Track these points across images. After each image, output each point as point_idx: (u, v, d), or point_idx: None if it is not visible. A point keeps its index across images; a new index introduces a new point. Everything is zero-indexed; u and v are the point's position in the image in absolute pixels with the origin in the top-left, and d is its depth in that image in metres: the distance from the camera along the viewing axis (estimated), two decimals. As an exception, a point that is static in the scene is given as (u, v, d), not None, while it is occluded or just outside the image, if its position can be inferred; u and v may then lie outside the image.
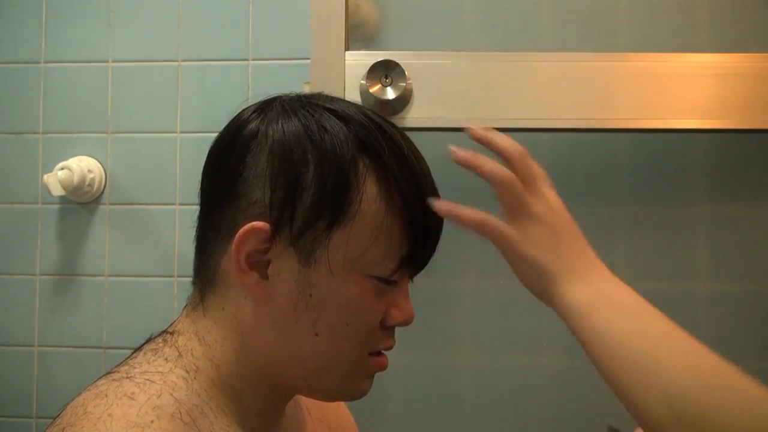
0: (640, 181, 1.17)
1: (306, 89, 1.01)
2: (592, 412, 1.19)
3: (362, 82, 1.01)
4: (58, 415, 0.57)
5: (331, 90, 1.00)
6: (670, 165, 1.17)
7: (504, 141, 0.65)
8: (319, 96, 0.66)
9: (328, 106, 0.63)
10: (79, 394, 0.58)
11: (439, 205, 0.62)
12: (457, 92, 1.02)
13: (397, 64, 1.01)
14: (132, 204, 1.30)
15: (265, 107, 0.64)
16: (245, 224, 0.59)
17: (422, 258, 0.65)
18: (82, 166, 1.26)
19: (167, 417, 0.55)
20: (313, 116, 0.61)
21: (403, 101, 1.01)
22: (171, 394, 0.57)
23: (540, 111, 1.02)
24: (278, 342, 0.61)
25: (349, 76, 1.01)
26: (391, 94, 1.01)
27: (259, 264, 0.60)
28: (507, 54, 1.04)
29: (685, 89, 1.02)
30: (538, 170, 0.65)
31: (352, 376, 0.64)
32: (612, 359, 0.56)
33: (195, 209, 1.29)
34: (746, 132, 1.04)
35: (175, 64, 1.30)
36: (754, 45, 1.11)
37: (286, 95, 0.66)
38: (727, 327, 1.14)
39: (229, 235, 0.60)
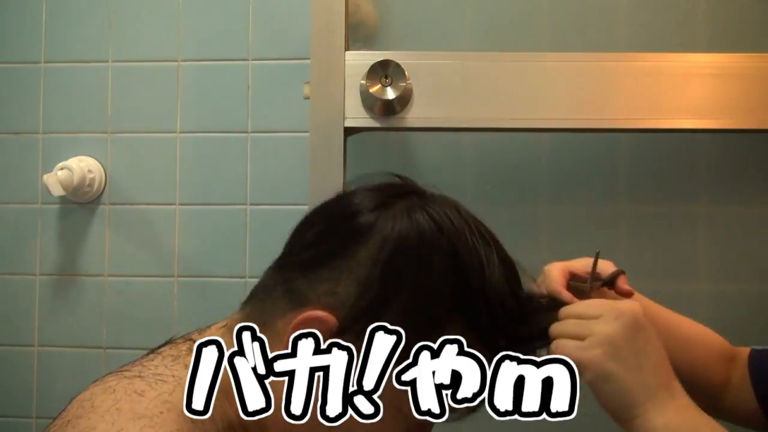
0: (640, 181, 1.17)
1: (306, 89, 1.01)
2: (591, 412, 1.19)
3: (362, 82, 1.01)
4: (64, 410, 0.56)
5: (331, 90, 1.00)
6: (670, 165, 1.17)
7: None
8: (453, 211, 0.61)
9: (453, 230, 0.59)
10: (86, 388, 0.58)
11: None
12: (457, 92, 1.02)
13: (397, 64, 1.01)
14: (132, 204, 1.30)
15: (389, 203, 0.61)
16: (316, 306, 0.58)
17: None
18: (82, 166, 1.26)
19: (177, 411, 0.54)
20: (434, 244, 0.58)
21: (403, 101, 1.01)
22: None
23: (540, 111, 1.02)
24: (303, 424, 0.58)
25: (349, 76, 1.01)
26: (391, 94, 1.00)
27: None
28: (507, 54, 1.04)
29: (685, 89, 1.02)
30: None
31: None
32: None
33: (195, 209, 1.29)
34: (746, 132, 1.04)
35: (175, 64, 1.30)
36: (754, 45, 1.11)
37: (417, 193, 0.63)
38: (727, 327, 1.14)
39: (296, 304, 0.59)
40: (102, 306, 1.30)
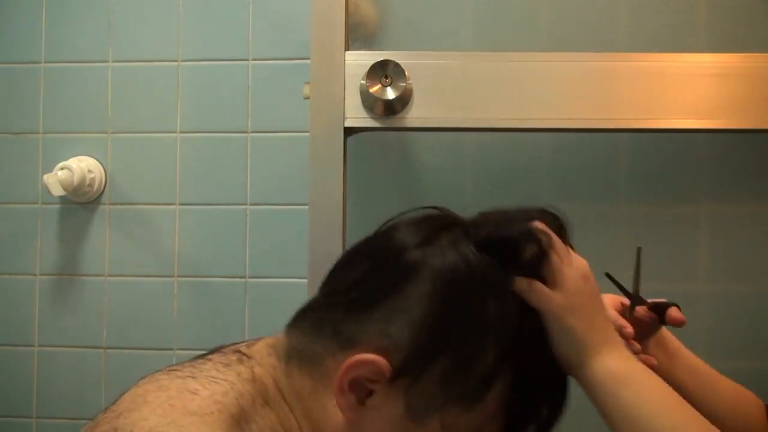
0: (640, 181, 1.17)
1: (306, 89, 1.01)
2: (591, 412, 1.19)
3: (362, 82, 1.01)
4: (114, 403, 0.56)
5: (331, 90, 1.00)
6: (670, 165, 1.17)
7: None
8: (505, 242, 0.60)
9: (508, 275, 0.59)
10: (137, 384, 0.57)
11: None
12: (457, 92, 1.02)
13: (397, 64, 1.01)
14: (132, 204, 1.30)
15: (434, 237, 0.59)
16: (368, 350, 0.56)
17: None
18: (82, 166, 1.26)
19: (228, 414, 0.53)
20: (488, 281, 0.57)
21: (403, 101, 1.01)
22: (237, 399, 0.55)
23: (540, 111, 1.02)
24: None
25: (349, 76, 1.01)
26: (391, 94, 1.00)
27: (360, 387, 0.56)
28: (507, 54, 1.04)
29: (685, 89, 1.02)
30: (561, 241, 0.63)
31: None
32: None
33: (195, 209, 1.29)
34: (746, 132, 1.04)
35: (175, 64, 1.30)
36: (754, 45, 1.11)
37: (460, 225, 0.61)
38: (727, 327, 1.14)
39: (346, 345, 0.57)
40: (102, 306, 1.30)
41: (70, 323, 1.30)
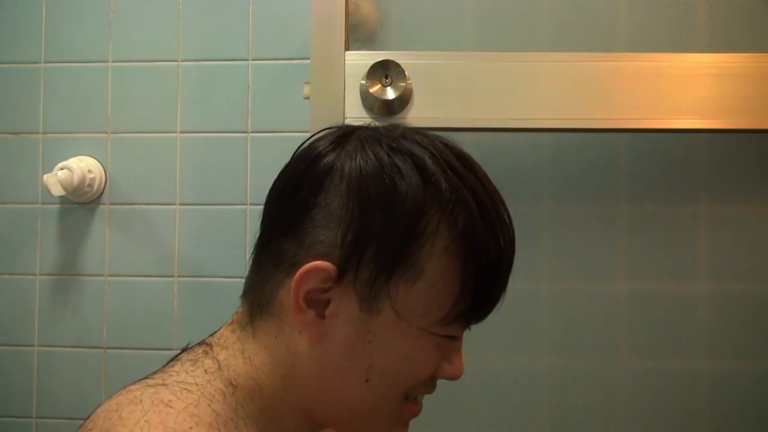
0: (640, 181, 1.17)
1: (306, 89, 1.01)
2: (591, 412, 1.19)
3: (362, 82, 1.01)
4: (88, 419, 0.56)
5: (331, 90, 1.00)
6: (670, 165, 1.17)
7: None
8: (400, 132, 0.63)
9: (407, 147, 0.60)
10: (110, 398, 0.57)
11: None
12: (457, 92, 1.02)
13: (397, 64, 1.01)
14: (132, 204, 1.30)
15: (342, 141, 0.62)
16: (309, 262, 0.58)
17: (483, 316, 0.64)
18: (82, 166, 1.26)
19: (206, 425, 0.54)
20: (391, 158, 0.59)
21: (403, 101, 1.01)
22: (209, 405, 0.56)
23: (540, 111, 1.02)
24: (327, 382, 0.60)
25: (349, 76, 1.01)
26: (391, 94, 1.01)
27: (317, 302, 0.59)
28: (507, 54, 1.04)
29: (685, 89, 1.02)
30: None
31: (392, 422, 0.64)
32: None
33: (195, 209, 1.30)
34: (746, 132, 1.04)
35: (175, 64, 1.30)
36: (754, 45, 1.11)
37: (365, 128, 0.64)
38: (727, 327, 1.14)
39: (291, 269, 0.59)
40: (102, 306, 1.30)
41: (70, 323, 1.30)
